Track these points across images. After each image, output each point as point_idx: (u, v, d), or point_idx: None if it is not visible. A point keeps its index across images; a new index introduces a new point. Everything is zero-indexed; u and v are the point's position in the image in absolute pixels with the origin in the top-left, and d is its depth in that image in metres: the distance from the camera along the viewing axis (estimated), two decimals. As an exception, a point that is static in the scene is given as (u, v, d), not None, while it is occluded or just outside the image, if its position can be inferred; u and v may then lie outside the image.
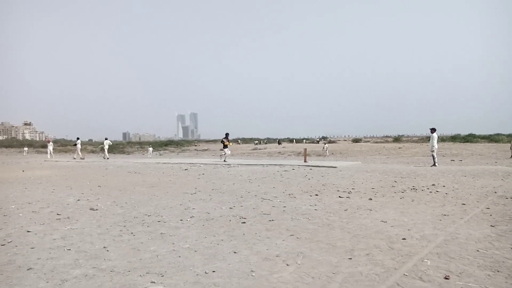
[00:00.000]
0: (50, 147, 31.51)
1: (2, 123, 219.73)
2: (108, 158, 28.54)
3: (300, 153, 34.68)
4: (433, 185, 9.87)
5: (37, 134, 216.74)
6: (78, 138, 30.27)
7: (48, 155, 31.01)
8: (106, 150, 29.54)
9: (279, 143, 68.97)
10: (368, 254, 4.43)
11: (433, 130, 16.86)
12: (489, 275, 3.71)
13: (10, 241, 5.12)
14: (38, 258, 4.38)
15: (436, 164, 16.21)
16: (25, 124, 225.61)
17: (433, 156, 16.49)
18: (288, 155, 35.94)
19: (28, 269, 4.01)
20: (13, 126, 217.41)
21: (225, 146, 20.83)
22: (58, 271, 3.95)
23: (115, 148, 60.29)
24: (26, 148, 50.01)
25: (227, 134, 21.37)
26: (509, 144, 25.87)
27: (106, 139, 30.76)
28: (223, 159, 20.84)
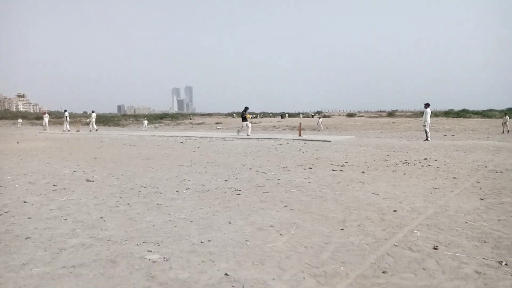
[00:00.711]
0: (46, 119, 31.24)
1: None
2: (96, 130, 28.40)
3: (295, 127, 34.71)
4: (425, 159, 9.99)
5: (31, 106, 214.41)
6: (65, 110, 30.10)
7: (44, 127, 30.80)
8: (93, 123, 29.36)
9: (282, 117, 68.56)
10: (359, 225, 4.54)
11: (426, 105, 16.92)
12: (476, 245, 3.83)
13: (7, 211, 5.17)
14: (36, 228, 4.45)
15: (429, 139, 16.35)
16: (19, 96, 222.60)
17: (425, 130, 16.61)
18: (283, 129, 35.96)
19: (26, 238, 4.08)
20: (6, 98, 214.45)
21: (244, 119, 20.46)
22: (56, 240, 4.02)
23: (110, 120, 59.90)
24: (20, 120, 49.57)
25: (246, 108, 21.00)
26: (501, 120, 26.03)
27: (93, 111, 30.57)
28: (244, 133, 20.26)
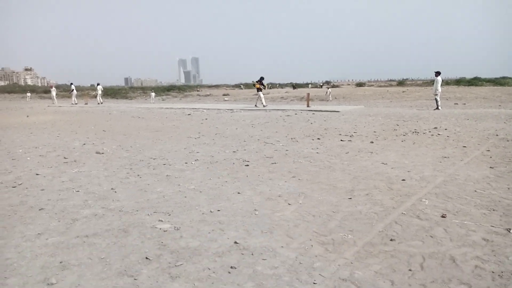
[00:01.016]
0: (54, 92, 31.28)
1: (2, 68, 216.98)
2: (102, 103, 28.41)
3: (303, 98, 34.41)
4: (435, 128, 9.89)
5: (39, 80, 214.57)
6: (71, 84, 30.19)
7: (52, 100, 30.93)
8: (99, 96, 29.36)
9: (294, 88, 67.62)
10: (367, 194, 4.56)
11: (437, 74, 16.50)
12: (484, 213, 3.83)
13: (21, 184, 5.28)
14: (49, 200, 4.54)
15: (439, 108, 16.11)
16: (26, 69, 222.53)
17: (436, 99, 16.34)
18: (291, 100, 35.62)
19: (39, 209, 4.18)
20: (14, 72, 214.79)
21: (259, 90, 20.00)
22: (68, 211, 4.11)
23: (118, 93, 59.94)
24: (29, 94, 49.80)
25: (262, 78, 20.31)
26: None
27: (98, 84, 30.51)
28: (260, 104, 19.81)
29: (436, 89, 16.27)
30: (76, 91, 30.76)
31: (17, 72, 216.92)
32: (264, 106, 19.44)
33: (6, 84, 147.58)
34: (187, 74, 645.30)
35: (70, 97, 31.21)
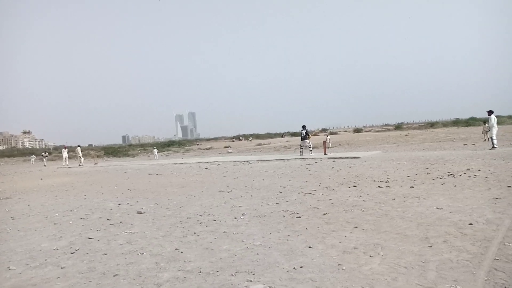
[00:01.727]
0: (65, 153, 31.41)
1: (1, 133, 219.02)
2: (81, 165, 28.17)
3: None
4: (468, 169, 9.88)
5: (37, 142, 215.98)
6: (79, 146, 30.53)
7: (63, 161, 31.01)
8: (81, 157, 29.49)
9: (282, 137, 68.82)
10: (445, 241, 4.43)
11: (490, 112, 16.45)
12: None
13: (78, 249, 5.11)
14: (117, 264, 4.37)
15: (495, 146, 15.77)
16: (24, 132, 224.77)
17: (491, 138, 16.14)
18: (295, 148, 35.89)
19: (114, 276, 4.01)
20: (12, 136, 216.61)
21: (305, 138, 20.01)
22: (146, 276, 3.95)
23: (119, 151, 60.34)
24: (33, 157, 49.72)
25: (304, 126, 20.48)
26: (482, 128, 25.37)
27: (78, 146, 30.91)
28: (307, 153, 19.72)
29: (493, 127, 16.10)
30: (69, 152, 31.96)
31: (15, 136, 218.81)
32: (311, 153, 19.31)
33: (4, 148, 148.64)
34: (184, 129, 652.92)
35: (73, 158, 31.94)
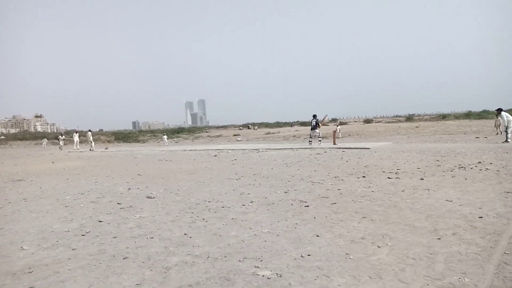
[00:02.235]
0: (76, 137, 31.81)
1: (14, 116, 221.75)
2: (92, 150, 28.31)
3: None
4: (479, 162, 9.77)
5: (48, 126, 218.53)
6: (90, 130, 30.76)
7: (74, 146, 31.43)
8: (92, 142, 29.66)
9: (317, 124, 68.31)
10: (454, 234, 4.41)
11: (500, 110, 16.78)
12: None
13: (89, 231, 5.19)
14: (127, 247, 4.44)
15: (509, 140, 15.78)
16: (36, 116, 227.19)
17: (506, 132, 16.19)
18: (305, 138, 35.77)
19: (124, 258, 4.07)
20: (24, 119, 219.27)
21: (315, 128, 20.02)
22: (155, 259, 4.00)
23: (129, 137, 60.68)
24: (45, 140, 50.33)
25: (315, 116, 20.44)
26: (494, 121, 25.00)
27: (89, 130, 31.11)
28: (316, 143, 19.74)
29: (503, 124, 16.29)
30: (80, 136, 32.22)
31: (27, 120, 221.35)
32: (320, 142, 19.41)
33: (17, 131, 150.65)
34: (193, 116, 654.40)
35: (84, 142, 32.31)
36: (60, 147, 35.61)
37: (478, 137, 21.59)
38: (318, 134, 19.98)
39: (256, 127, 74.07)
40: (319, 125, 20.15)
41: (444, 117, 66.96)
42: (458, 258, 3.69)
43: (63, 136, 39.78)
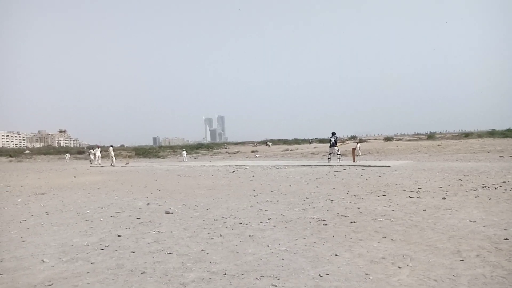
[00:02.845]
0: (98, 152, 32.40)
1: (39, 131, 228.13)
2: (113, 165, 28.79)
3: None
4: (504, 182, 9.49)
5: (72, 141, 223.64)
6: (111, 146, 31.22)
7: (96, 160, 32.00)
8: (99, 157, 29.99)
9: (310, 143, 68.46)
10: (478, 256, 4.27)
11: None
12: None
13: (107, 246, 5.24)
14: (145, 262, 4.46)
15: None
16: (60, 131, 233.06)
17: None
18: (323, 155, 35.53)
19: (141, 273, 4.09)
20: (49, 134, 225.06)
21: (334, 145, 20.03)
22: (172, 275, 4.00)
23: (149, 152, 61.57)
24: (68, 155, 51.61)
25: (334, 133, 20.46)
26: None
27: (111, 146, 31.30)
28: (335, 160, 19.76)
29: None
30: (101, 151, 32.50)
31: (52, 134, 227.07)
32: (338, 160, 19.34)
33: (41, 146, 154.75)
34: (213, 132, 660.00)
35: (105, 157, 32.60)
36: (91, 161, 33.40)
37: (503, 156, 21.01)
38: (337, 151, 19.86)
39: (270, 144, 73.87)
40: (337, 142, 20.04)
41: (466, 135, 65.57)
42: (483, 281, 3.56)
43: (94, 150, 34.05)
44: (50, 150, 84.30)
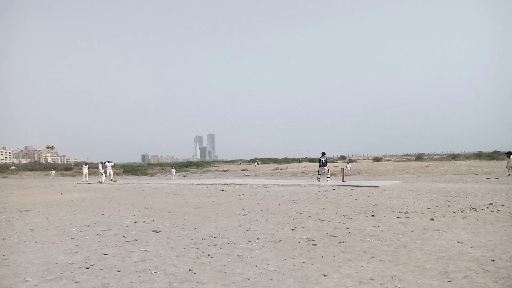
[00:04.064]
0: (86, 169, 31.92)
1: (26, 147, 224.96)
2: (115, 181, 28.25)
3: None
4: (491, 204, 9.59)
5: (59, 158, 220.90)
6: (101, 162, 30.70)
7: (83, 177, 31.52)
8: (102, 174, 29.37)
9: (299, 162, 68.69)
10: (465, 277, 4.28)
11: (509, 154, 17.44)
12: None
13: (93, 264, 5.15)
14: (131, 282, 4.38)
15: None
16: (48, 147, 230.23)
17: None
18: (313, 174, 35.60)
19: (127, 293, 4.00)
20: (36, 150, 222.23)
21: (324, 165, 20.27)
22: (159, 295, 3.93)
23: (138, 170, 60.96)
24: (53, 171, 50.84)
25: (323, 153, 20.78)
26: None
27: (100, 162, 30.38)
28: (324, 179, 19.90)
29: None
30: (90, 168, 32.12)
31: (39, 150, 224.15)
32: (328, 179, 19.58)
33: (27, 162, 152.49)
34: (202, 150, 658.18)
35: (95, 174, 32.03)
36: (99, 181, 29.14)
37: (489, 178, 21.28)
38: (327, 171, 20.00)
39: (256, 163, 73.52)
40: (327, 162, 20.23)
41: (454, 157, 66.52)
42: (470, 302, 3.57)
43: (103, 165, 30.11)
44: (37, 166, 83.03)
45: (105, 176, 29.44)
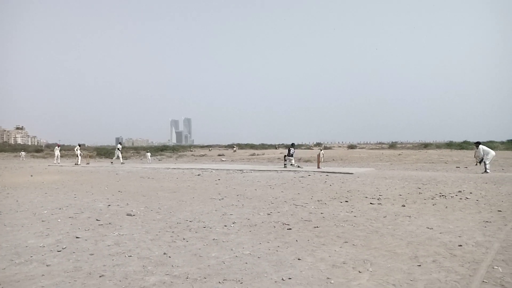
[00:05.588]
0: (57, 151, 31.01)
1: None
2: (77, 164, 27.10)
3: (300, 159, 34.74)
4: (460, 191, 9.93)
5: (29, 139, 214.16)
6: (79, 144, 29.87)
7: (55, 159, 30.66)
8: (78, 156, 28.10)
9: (276, 148, 69.01)
10: (434, 261, 4.43)
11: (478, 144, 17.70)
12: None
13: (65, 247, 5.05)
14: (104, 265, 4.32)
15: (488, 171, 16.30)
16: (17, 128, 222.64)
17: (484, 163, 16.71)
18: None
19: (100, 276, 3.95)
20: (5, 130, 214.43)
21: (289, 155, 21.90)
22: (133, 278, 3.90)
23: (111, 153, 59.80)
24: (23, 153, 49.24)
25: (293, 144, 22.91)
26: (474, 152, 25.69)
27: (78, 145, 28.79)
28: (290, 164, 21.49)
29: (488, 154, 16.82)
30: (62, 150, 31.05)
31: (8, 131, 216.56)
32: (292, 165, 21.10)
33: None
34: (178, 135, 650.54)
35: (68, 156, 31.10)
36: (76, 163, 27.87)
37: (459, 167, 22.00)
38: (291, 159, 21.78)
39: (235, 149, 73.14)
40: (292, 154, 21.99)
41: (426, 146, 68.33)
42: (438, 285, 3.70)
43: (78, 150, 28.49)
44: (6, 147, 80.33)
45: (55, 159, 29.11)
